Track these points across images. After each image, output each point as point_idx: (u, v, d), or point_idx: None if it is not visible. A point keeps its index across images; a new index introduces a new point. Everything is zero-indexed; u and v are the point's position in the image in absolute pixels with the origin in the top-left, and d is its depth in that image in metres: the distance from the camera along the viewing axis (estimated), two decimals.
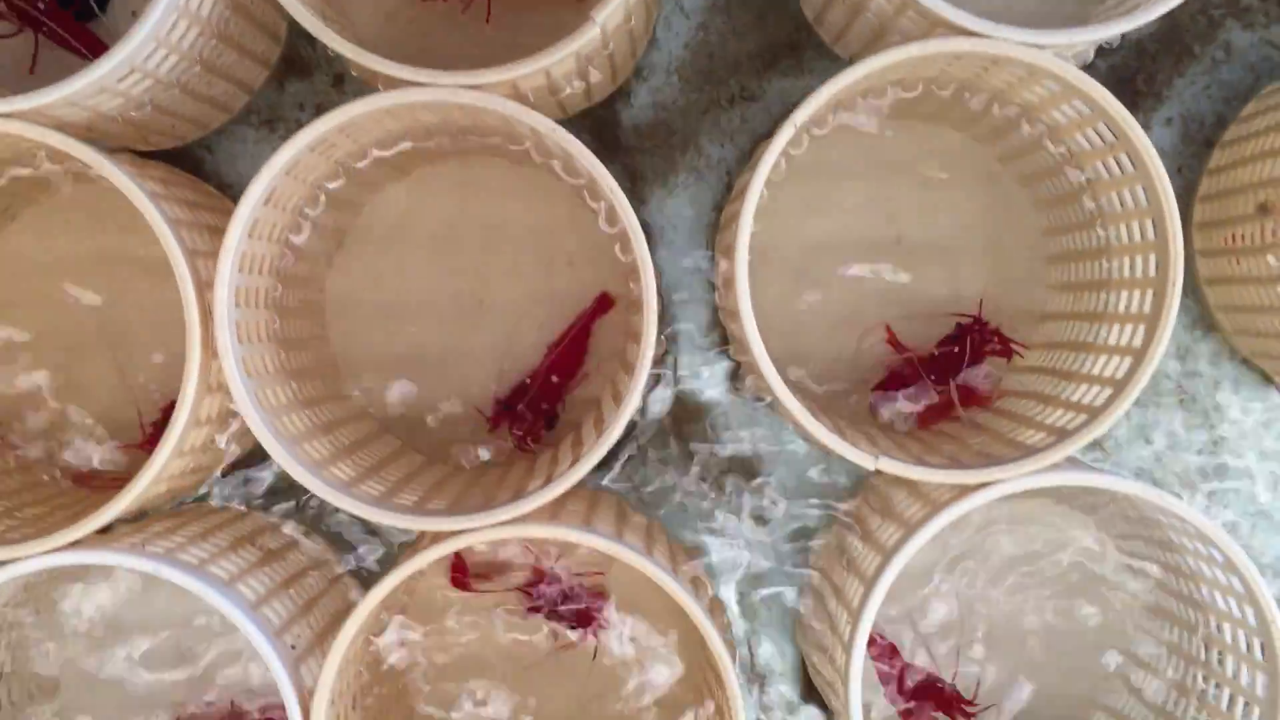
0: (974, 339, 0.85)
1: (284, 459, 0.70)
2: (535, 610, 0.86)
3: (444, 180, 0.89)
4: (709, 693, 0.79)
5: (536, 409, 0.88)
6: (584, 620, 0.85)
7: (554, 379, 0.88)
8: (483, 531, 0.70)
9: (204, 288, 0.71)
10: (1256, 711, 0.71)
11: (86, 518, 0.70)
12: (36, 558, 0.70)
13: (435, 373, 0.89)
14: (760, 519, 0.89)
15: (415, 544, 0.81)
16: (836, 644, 0.76)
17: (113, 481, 0.87)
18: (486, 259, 0.89)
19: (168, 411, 0.76)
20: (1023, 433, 0.76)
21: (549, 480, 0.71)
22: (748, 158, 0.89)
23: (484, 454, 0.87)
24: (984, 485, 0.70)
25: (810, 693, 0.89)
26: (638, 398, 0.70)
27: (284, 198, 0.74)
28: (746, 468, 0.89)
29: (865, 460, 0.71)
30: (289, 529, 0.87)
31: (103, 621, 0.87)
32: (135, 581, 0.87)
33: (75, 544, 0.71)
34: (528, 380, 0.88)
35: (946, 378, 0.85)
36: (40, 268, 0.88)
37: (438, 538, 0.71)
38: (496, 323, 0.89)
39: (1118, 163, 0.72)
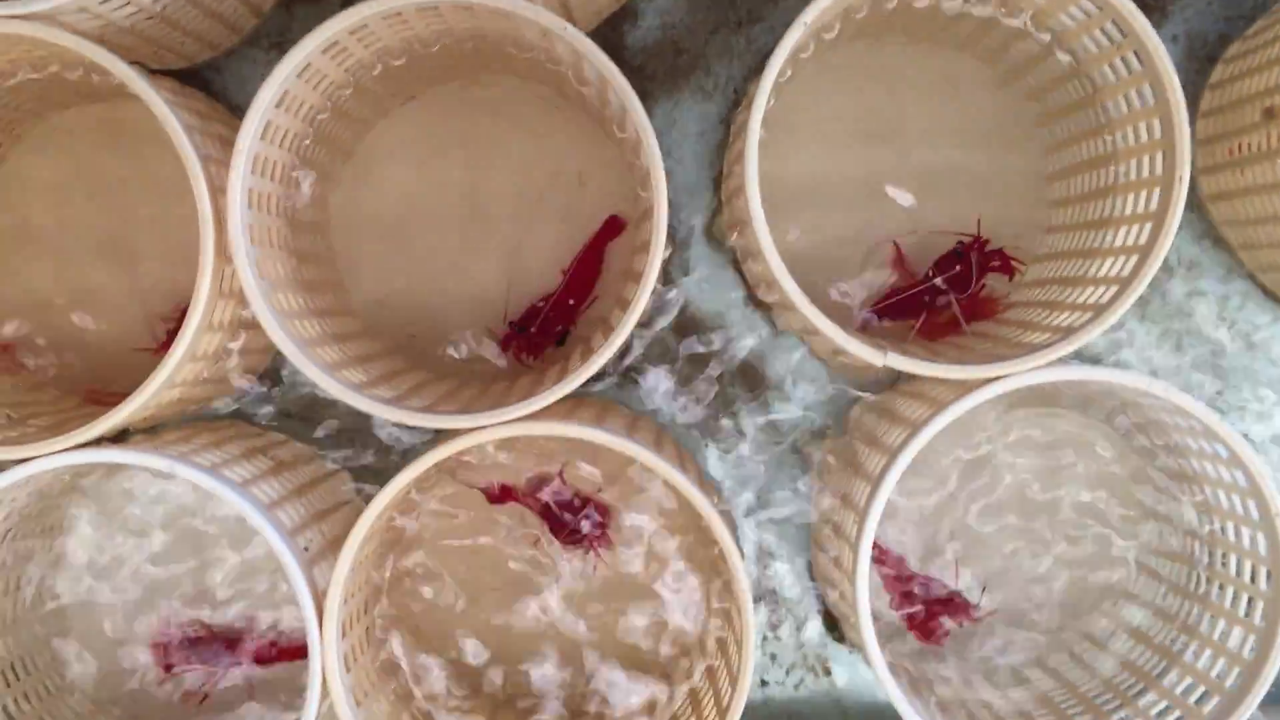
0: (976, 258, 0.85)
1: (297, 357, 0.71)
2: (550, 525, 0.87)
3: (452, 101, 0.89)
4: (717, 600, 0.80)
5: (549, 330, 0.88)
6: (591, 534, 0.86)
7: (570, 302, 0.88)
8: (498, 429, 0.71)
9: (217, 193, 0.72)
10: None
11: (101, 417, 0.71)
12: (57, 455, 0.70)
13: (443, 292, 0.90)
14: (763, 430, 0.90)
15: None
16: (844, 546, 0.76)
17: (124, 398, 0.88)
18: (494, 179, 0.90)
19: (179, 319, 0.76)
20: (1029, 336, 0.76)
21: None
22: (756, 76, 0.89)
23: (479, 347, 0.87)
24: (990, 381, 0.70)
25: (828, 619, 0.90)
26: (646, 297, 0.71)
27: (296, 102, 0.74)
28: (751, 379, 0.90)
29: (874, 356, 0.71)
30: (299, 445, 0.88)
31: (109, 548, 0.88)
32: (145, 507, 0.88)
33: (92, 444, 0.72)
34: (540, 303, 0.88)
35: (947, 295, 0.86)
36: (50, 187, 0.89)
37: (453, 435, 0.72)
38: (505, 242, 0.90)
39: (1125, 63, 0.73)
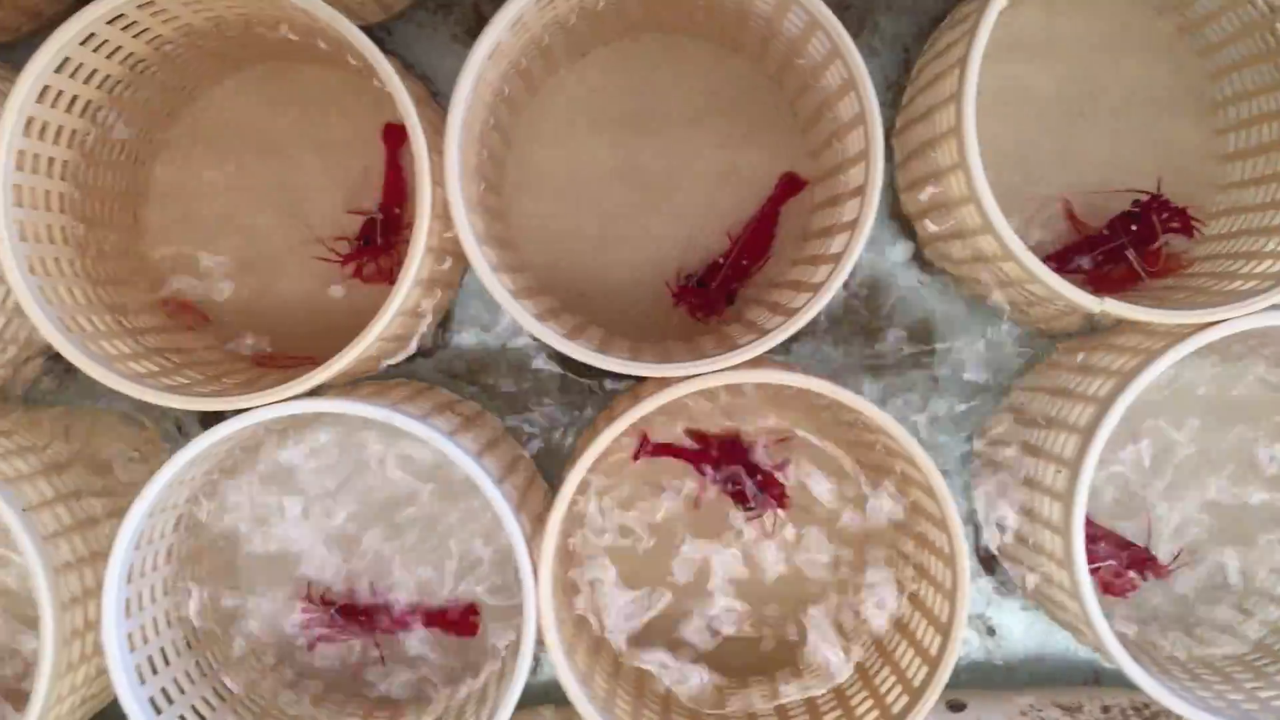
0: (1155, 217, 0.85)
1: (512, 305, 0.71)
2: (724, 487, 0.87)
3: (618, 58, 0.89)
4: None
5: (724, 288, 0.89)
6: (768, 493, 0.86)
7: (744, 261, 0.88)
8: (713, 376, 0.71)
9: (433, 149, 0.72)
10: None
11: (319, 368, 0.71)
12: (281, 404, 0.71)
13: (614, 248, 0.90)
14: (939, 392, 0.90)
15: (611, 407, 0.83)
16: (1041, 499, 0.77)
17: (291, 360, 0.89)
18: (662, 136, 0.90)
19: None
20: (1228, 285, 0.76)
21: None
22: (926, 34, 0.89)
23: None
24: (1208, 325, 0.71)
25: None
26: (860, 249, 0.71)
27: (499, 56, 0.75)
28: (924, 337, 0.90)
29: (1090, 302, 0.71)
30: (472, 403, 0.89)
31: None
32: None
33: (304, 395, 0.72)
34: (721, 260, 0.89)
35: (1123, 254, 0.86)
36: (222, 145, 0.90)
37: (663, 383, 0.72)
38: (674, 199, 0.90)
39: None
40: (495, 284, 0.71)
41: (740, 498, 0.87)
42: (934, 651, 0.74)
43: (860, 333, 0.90)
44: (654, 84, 0.90)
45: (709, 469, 0.88)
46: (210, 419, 0.90)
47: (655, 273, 0.90)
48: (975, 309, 0.90)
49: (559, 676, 0.73)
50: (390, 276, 0.88)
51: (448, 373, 0.92)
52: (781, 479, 0.86)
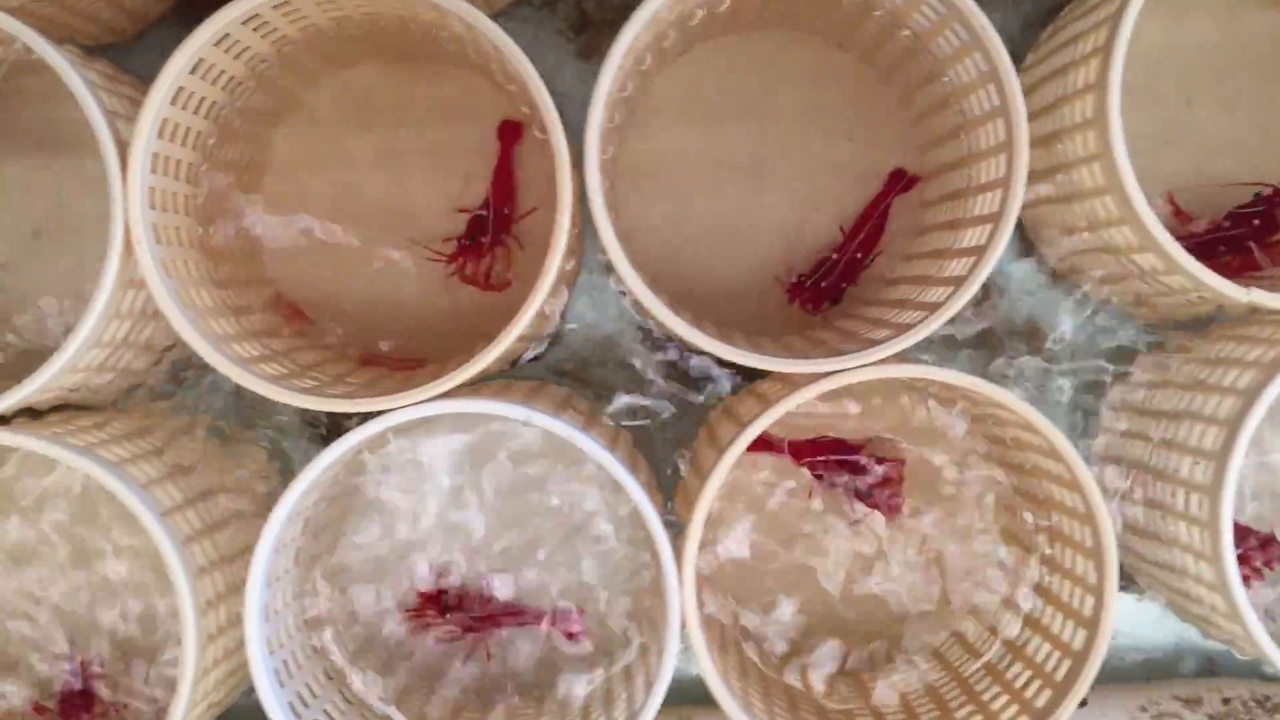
0: (1277, 210, 0.85)
1: (650, 300, 0.71)
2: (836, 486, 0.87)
3: (723, 54, 0.89)
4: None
5: (836, 284, 0.88)
6: (881, 498, 0.86)
7: (858, 255, 0.88)
8: (861, 370, 0.71)
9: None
10: None
11: (460, 368, 0.71)
12: (420, 405, 0.70)
13: (721, 244, 0.89)
14: (1044, 383, 0.90)
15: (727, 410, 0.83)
16: (1175, 491, 0.76)
17: (400, 362, 0.88)
18: (766, 133, 0.89)
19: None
20: None
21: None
22: (1032, 26, 0.89)
23: None
24: None
25: None
26: (1004, 243, 0.71)
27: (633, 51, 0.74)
28: (1028, 333, 0.90)
29: (1237, 293, 0.71)
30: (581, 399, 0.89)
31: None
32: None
33: (440, 397, 0.72)
34: (833, 255, 0.88)
35: (1241, 245, 0.86)
36: (328, 147, 0.89)
37: (787, 380, 0.72)
38: (778, 196, 0.90)
39: None
40: (638, 283, 0.71)
41: (858, 497, 0.87)
42: (1078, 645, 0.73)
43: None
44: (759, 79, 0.89)
45: (819, 468, 0.88)
46: (316, 423, 0.90)
47: (762, 269, 0.90)
48: (1076, 301, 0.90)
49: (706, 677, 0.72)
50: (489, 278, 0.88)
51: (554, 370, 0.91)
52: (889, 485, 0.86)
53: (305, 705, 0.75)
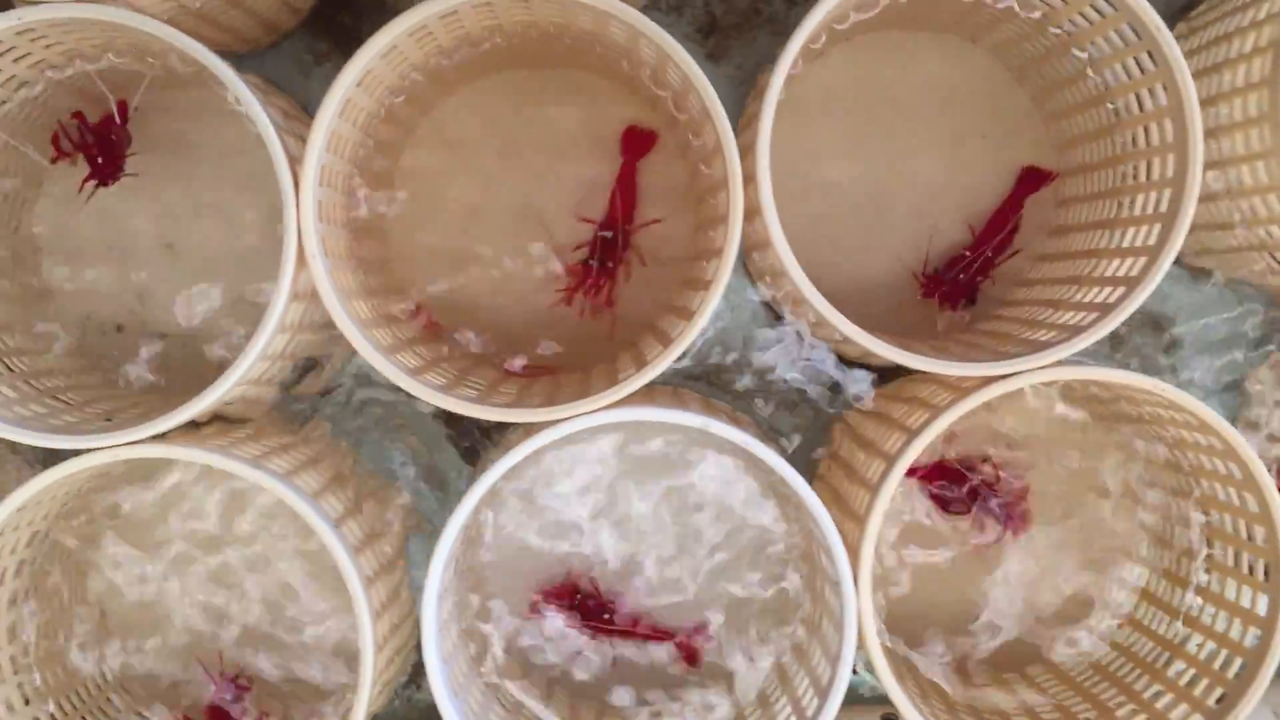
0: None
1: (829, 311, 0.71)
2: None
3: (854, 54, 0.89)
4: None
5: (971, 281, 0.88)
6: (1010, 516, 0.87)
7: (989, 254, 0.88)
8: (1037, 373, 0.71)
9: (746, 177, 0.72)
10: None
11: (634, 376, 0.71)
12: (597, 413, 0.70)
13: (851, 244, 0.89)
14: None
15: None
16: None
17: (541, 370, 0.88)
18: (899, 130, 0.89)
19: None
20: None
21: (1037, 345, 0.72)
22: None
23: None
24: None
25: None
26: (1179, 244, 0.71)
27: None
28: (1156, 324, 0.90)
29: None
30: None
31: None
32: None
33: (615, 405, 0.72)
34: (966, 253, 0.88)
35: None
36: (460, 150, 0.89)
37: (983, 382, 0.72)
38: (909, 194, 0.90)
39: None
40: (809, 287, 0.71)
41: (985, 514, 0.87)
42: (1249, 643, 0.73)
43: None
44: (894, 78, 0.89)
45: (948, 485, 0.88)
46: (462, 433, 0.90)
47: (892, 268, 0.90)
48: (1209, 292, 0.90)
49: (883, 683, 0.72)
50: (610, 301, 0.88)
51: (682, 374, 0.91)
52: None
53: (474, 712, 0.75)
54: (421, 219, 0.89)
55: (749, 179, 0.72)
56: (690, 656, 0.88)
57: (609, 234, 0.87)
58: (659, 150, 0.89)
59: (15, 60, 0.74)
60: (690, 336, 0.71)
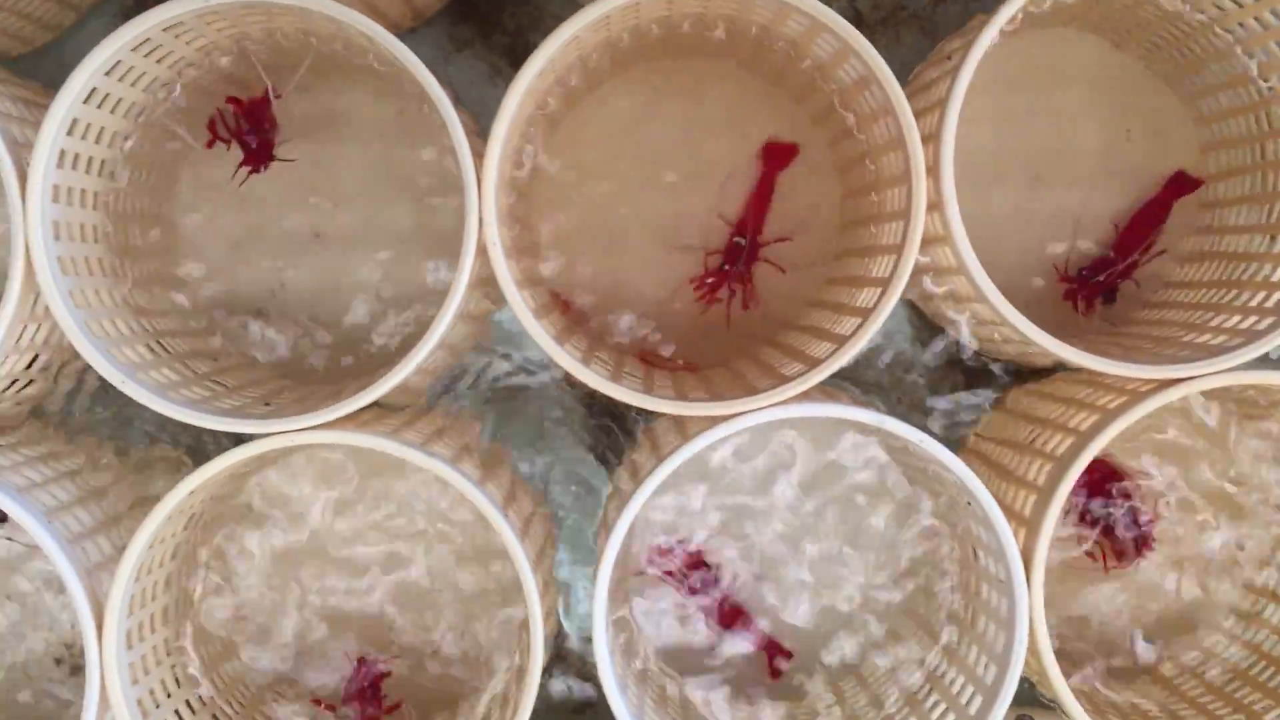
0: None
1: (1000, 299, 0.70)
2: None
3: (1004, 52, 0.89)
4: None
5: (1112, 282, 0.88)
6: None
7: (1131, 257, 0.88)
8: (1219, 376, 0.71)
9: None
10: None
11: (823, 364, 0.71)
12: (788, 405, 0.70)
13: (994, 243, 0.89)
14: None
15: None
16: None
17: (670, 363, 0.88)
18: (1045, 129, 0.89)
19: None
20: None
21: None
22: None
23: None
24: None
25: None
26: None
27: None
28: None
29: None
30: None
31: None
32: None
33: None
34: (1111, 254, 0.88)
35: None
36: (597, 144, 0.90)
37: (1159, 385, 0.72)
38: (1054, 194, 0.89)
39: None
40: (992, 289, 0.71)
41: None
42: None
43: None
44: (1043, 78, 0.89)
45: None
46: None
47: (1034, 267, 0.90)
48: None
49: (1054, 683, 0.72)
50: (745, 304, 0.88)
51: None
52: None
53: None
54: (560, 201, 0.89)
55: (928, 171, 0.72)
56: (773, 670, 0.88)
57: (742, 240, 0.87)
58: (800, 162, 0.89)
59: (188, 42, 0.74)
60: (870, 332, 0.71)
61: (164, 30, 0.69)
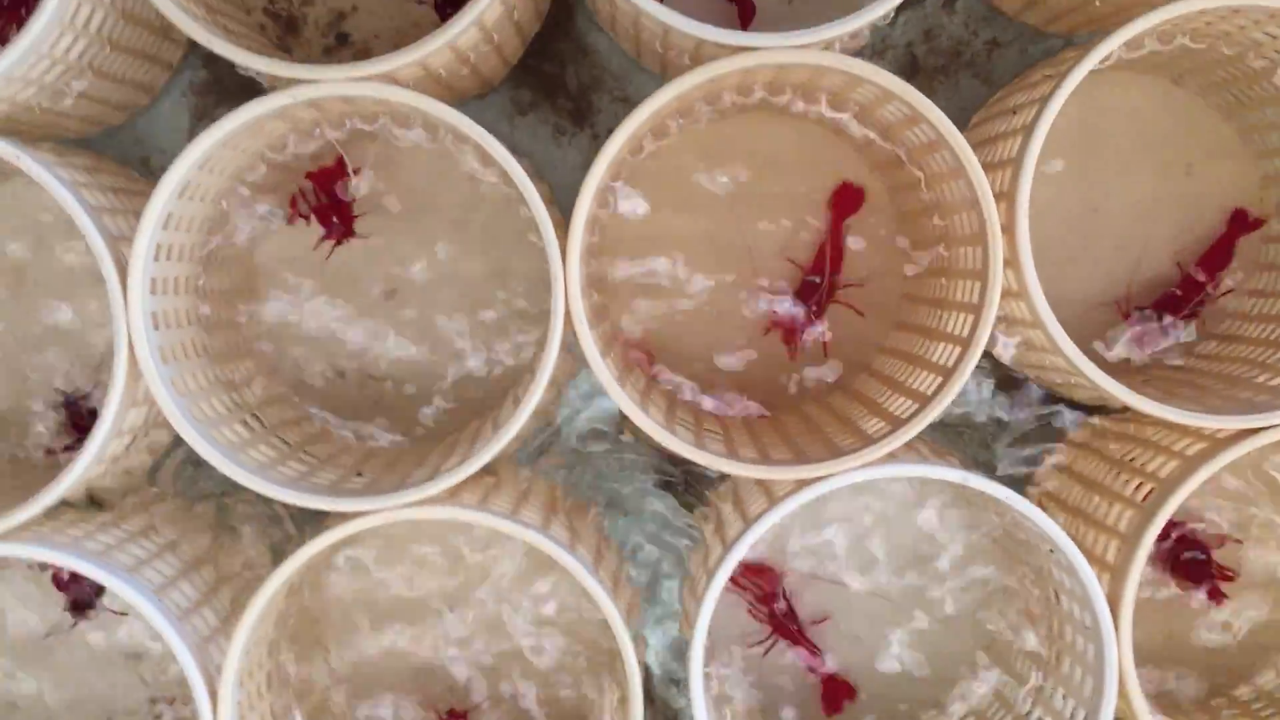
0: None
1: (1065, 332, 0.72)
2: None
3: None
4: None
5: (1177, 310, 0.89)
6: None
7: (1200, 278, 0.89)
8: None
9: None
10: None
11: (905, 427, 0.72)
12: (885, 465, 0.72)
13: (1051, 282, 0.89)
14: None
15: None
16: None
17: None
18: (1100, 167, 0.90)
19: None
20: None
21: None
22: None
23: None
24: None
25: None
26: None
27: None
28: None
29: None
30: None
31: None
32: None
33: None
34: (1176, 291, 0.89)
35: None
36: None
37: (1239, 435, 0.73)
38: (1112, 231, 0.90)
39: None
40: (1070, 345, 0.72)
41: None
42: None
43: None
44: (1096, 113, 0.90)
45: None
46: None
47: (1095, 305, 0.90)
48: None
49: None
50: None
51: None
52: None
53: None
54: (628, 246, 0.90)
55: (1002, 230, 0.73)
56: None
57: (817, 279, 0.89)
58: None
59: (270, 129, 0.76)
60: (952, 394, 0.72)
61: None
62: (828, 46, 0.71)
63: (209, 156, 0.72)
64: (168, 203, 0.71)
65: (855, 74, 0.71)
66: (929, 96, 0.89)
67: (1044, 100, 0.73)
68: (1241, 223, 0.89)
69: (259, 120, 0.71)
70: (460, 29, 0.70)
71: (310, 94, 0.70)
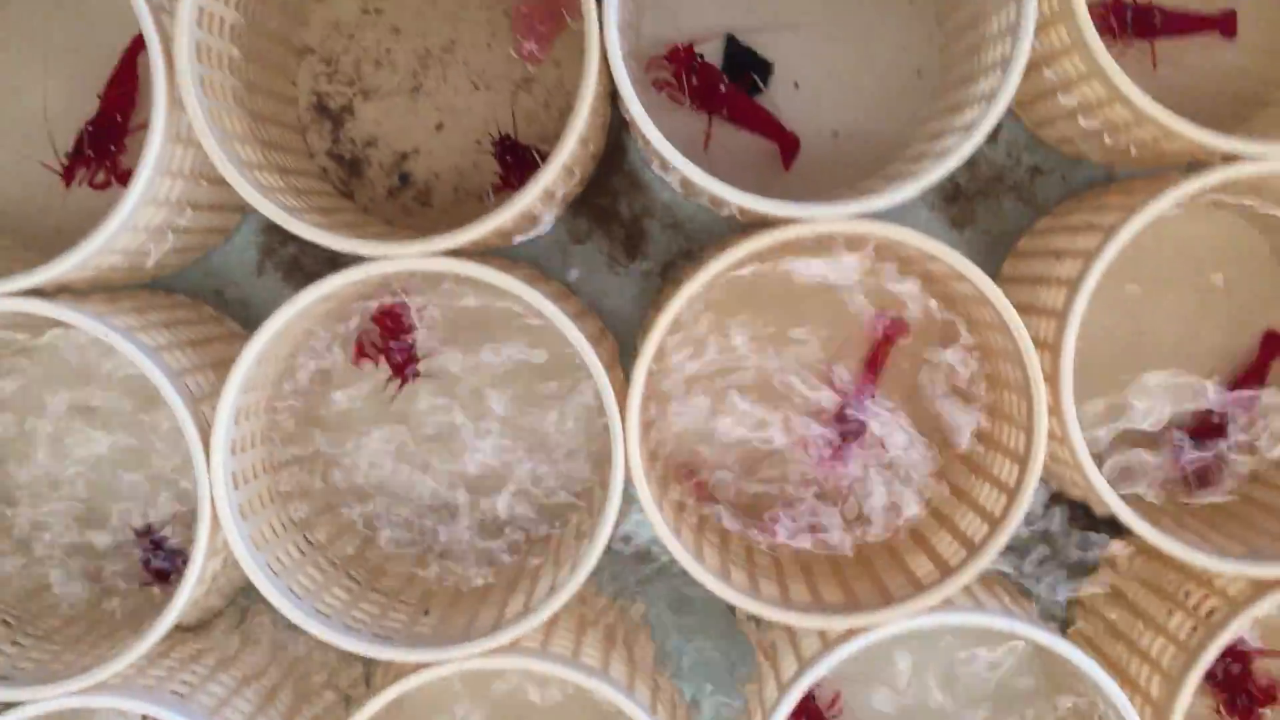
0: None
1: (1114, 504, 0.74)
2: None
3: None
4: None
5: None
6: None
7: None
8: None
9: None
10: None
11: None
12: None
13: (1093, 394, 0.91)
14: None
15: None
16: None
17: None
18: (1135, 282, 0.91)
19: None
20: None
21: None
22: None
23: None
24: None
25: None
26: None
27: None
28: None
29: None
30: None
31: None
32: None
33: None
34: (1214, 417, 0.91)
35: None
36: None
37: None
38: (1152, 349, 0.92)
39: None
40: (1122, 506, 0.75)
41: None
42: None
43: None
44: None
45: None
46: None
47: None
48: None
49: None
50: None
51: None
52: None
53: None
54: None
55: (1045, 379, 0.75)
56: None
57: (853, 410, 0.91)
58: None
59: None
60: (1001, 544, 0.75)
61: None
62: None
63: (286, 325, 0.76)
64: (248, 371, 0.75)
65: (908, 243, 0.73)
66: (971, 219, 0.93)
67: (1088, 258, 0.75)
68: (1274, 344, 0.91)
69: (334, 291, 0.75)
70: (529, 200, 0.73)
71: (383, 269, 0.74)
